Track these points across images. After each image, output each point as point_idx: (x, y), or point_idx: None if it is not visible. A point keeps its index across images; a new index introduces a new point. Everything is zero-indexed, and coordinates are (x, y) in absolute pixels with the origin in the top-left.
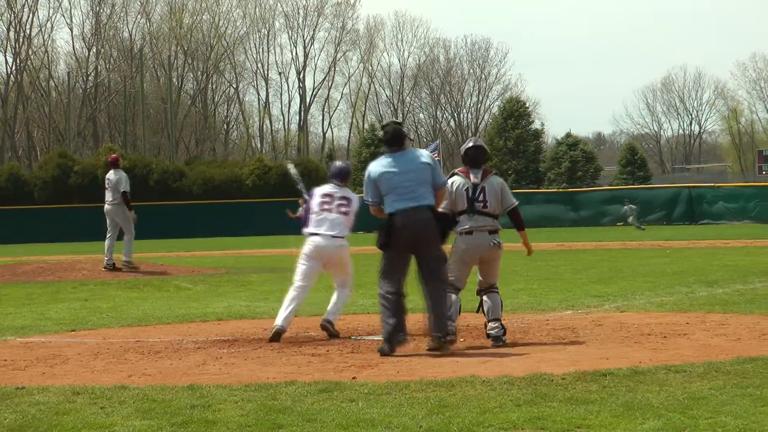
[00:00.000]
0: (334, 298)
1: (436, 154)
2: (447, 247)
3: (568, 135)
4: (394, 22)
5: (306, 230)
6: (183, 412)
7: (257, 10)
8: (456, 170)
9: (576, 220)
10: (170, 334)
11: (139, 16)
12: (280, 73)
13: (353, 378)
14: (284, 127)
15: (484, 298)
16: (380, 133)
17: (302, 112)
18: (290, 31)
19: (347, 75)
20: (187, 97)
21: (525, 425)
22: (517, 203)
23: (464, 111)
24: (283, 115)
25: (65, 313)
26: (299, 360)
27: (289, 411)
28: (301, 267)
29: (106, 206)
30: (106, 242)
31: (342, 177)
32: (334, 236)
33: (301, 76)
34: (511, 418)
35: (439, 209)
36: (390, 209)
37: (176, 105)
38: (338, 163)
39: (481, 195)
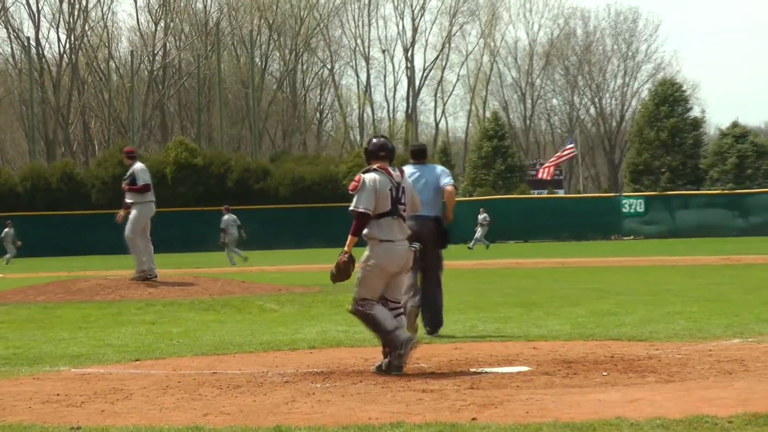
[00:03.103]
0: None
1: (572, 148)
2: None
3: (735, 125)
4: None
5: None
6: None
7: None
8: (371, 167)
9: (745, 228)
10: (253, 364)
11: None
12: (383, 51)
13: (473, 419)
14: (389, 116)
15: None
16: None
17: (410, 98)
18: (396, 0)
19: (464, 53)
20: (272, 80)
21: None
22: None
23: (607, 96)
24: (387, 101)
25: (128, 338)
26: (407, 397)
27: None
28: None
29: (154, 207)
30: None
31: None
32: None
33: (409, 54)
34: None
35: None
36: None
37: (259, 90)
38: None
39: (403, 196)
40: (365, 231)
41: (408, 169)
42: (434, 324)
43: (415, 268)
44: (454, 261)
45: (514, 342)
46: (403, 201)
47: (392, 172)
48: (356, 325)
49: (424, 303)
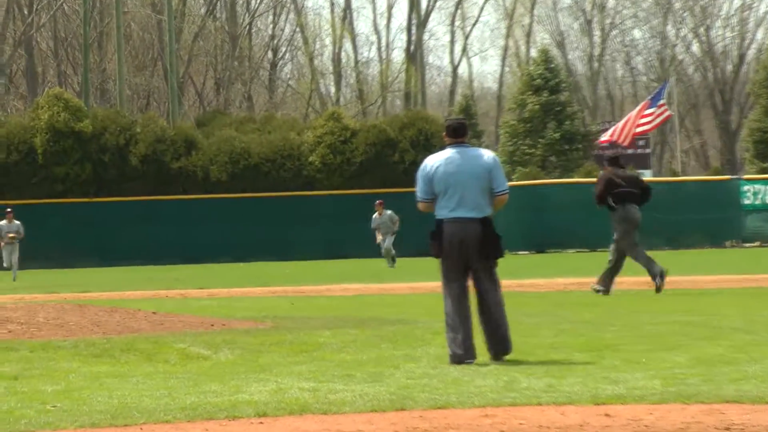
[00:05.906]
0: None
1: (663, 105)
2: None
3: None
4: None
5: None
6: None
7: None
8: None
9: None
10: None
11: None
12: None
13: None
14: (380, 57)
15: None
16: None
17: (413, 29)
18: None
19: None
20: (198, 1)
21: None
22: None
23: (718, 24)
24: (378, 33)
25: None
26: None
27: None
28: None
29: None
30: None
31: None
32: None
33: None
34: None
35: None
36: (440, 215)
37: (180, 17)
38: None
39: None
40: None
41: (444, 154)
42: (499, 349)
43: (464, 292)
44: None
45: (575, 406)
46: None
47: None
48: (330, 380)
49: (485, 324)
